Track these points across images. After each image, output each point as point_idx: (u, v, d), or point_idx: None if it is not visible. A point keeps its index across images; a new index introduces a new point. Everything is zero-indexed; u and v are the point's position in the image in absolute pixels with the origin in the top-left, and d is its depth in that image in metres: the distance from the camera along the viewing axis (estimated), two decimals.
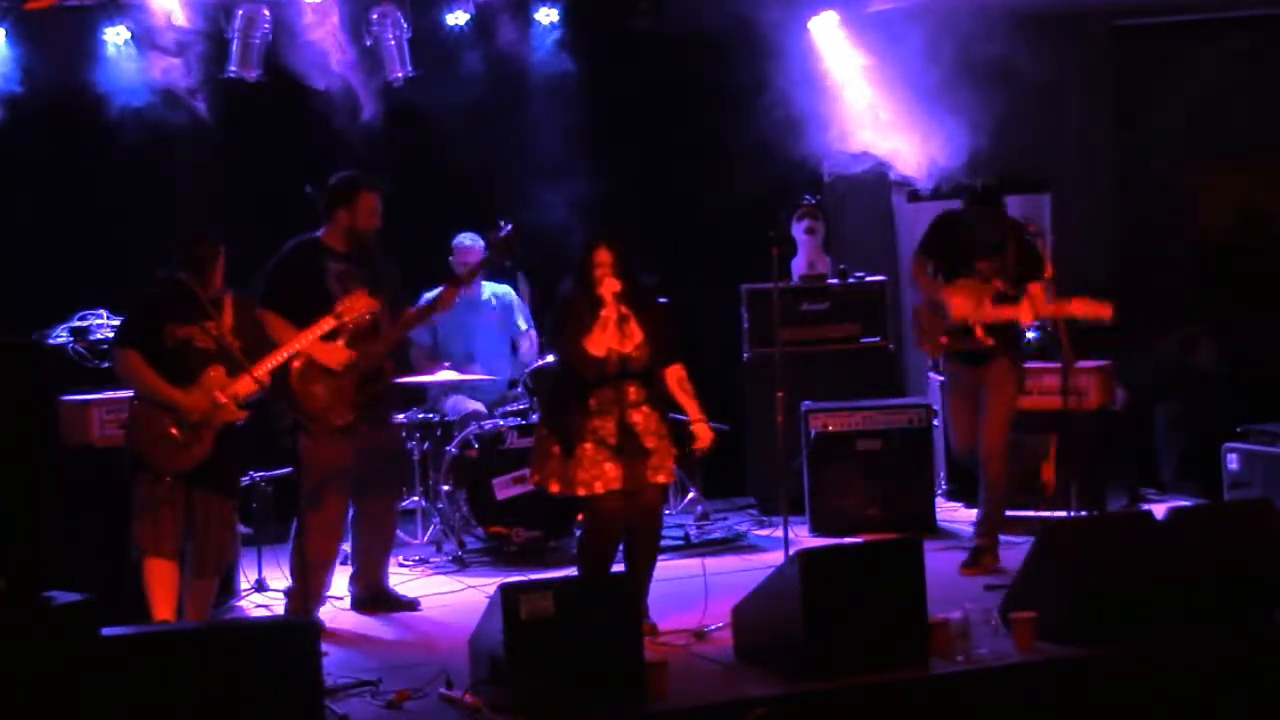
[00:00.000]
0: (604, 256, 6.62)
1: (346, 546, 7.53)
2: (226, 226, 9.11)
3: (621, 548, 6.77)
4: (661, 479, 6.73)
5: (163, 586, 6.54)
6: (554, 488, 6.66)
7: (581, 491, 6.59)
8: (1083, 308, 7.44)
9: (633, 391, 6.64)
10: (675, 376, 6.78)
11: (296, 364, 7.01)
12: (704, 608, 6.76)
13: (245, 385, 6.60)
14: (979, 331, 7.60)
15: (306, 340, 6.85)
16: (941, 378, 9.29)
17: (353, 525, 7.49)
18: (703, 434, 6.78)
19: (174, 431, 6.53)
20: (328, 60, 8.93)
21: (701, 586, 6.99)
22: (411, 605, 7.46)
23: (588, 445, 6.57)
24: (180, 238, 6.83)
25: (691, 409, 6.78)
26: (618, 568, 6.86)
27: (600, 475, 6.57)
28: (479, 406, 8.87)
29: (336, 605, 7.43)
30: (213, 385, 6.58)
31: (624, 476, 6.58)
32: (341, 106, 9.03)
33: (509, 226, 7.31)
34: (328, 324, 6.87)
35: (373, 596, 7.46)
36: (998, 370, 7.69)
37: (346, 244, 7.22)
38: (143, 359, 6.60)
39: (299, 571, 6.98)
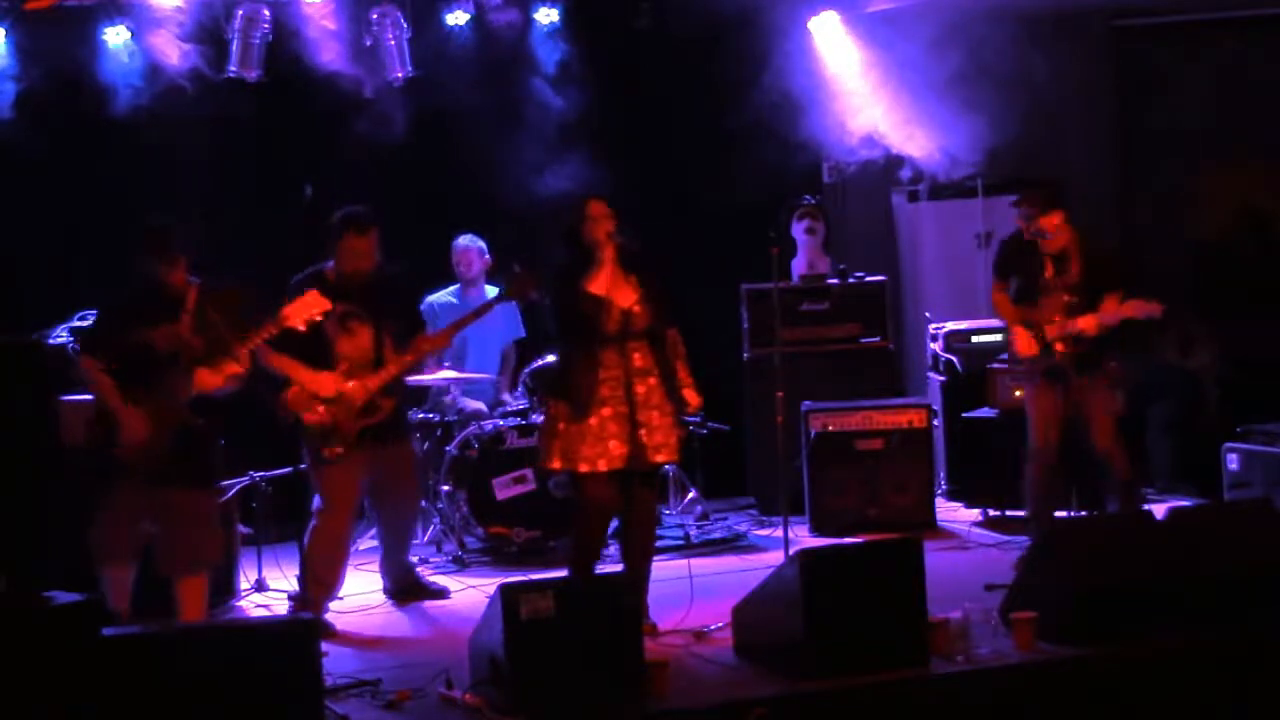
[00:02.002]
0: (598, 209, 6.61)
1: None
2: (228, 226, 9.21)
3: (619, 548, 6.74)
4: (662, 458, 6.64)
5: (116, 593, 6.48)
6: (555, 464, 6.59)
7: (584, 468, 6.51)
8: (1136, 308, 7.45)
9: (638, 357, 6.58)
10: (670, 340, 6.77)
11: (292, 388, 7.08)
12: (689, 607, 6.76)
13: (210, 378, 6.56)
14: (1058, 346, 7.54)
15: (250, 346, 6.66)
16: (943, 378, 9.31)
17: (375, 523, 7.73)
18: (691, 398, 6.77)
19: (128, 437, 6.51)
20: (328, 60, 8.94)
21: (702, 587, 7.00)
22: (441, 594, 7.65)
23: (592, 420, 6.49)
24: (137, 237, 6.73)
25: (682, 373, 6.77)
26: (615, 567, 6.86)
27: (604, 453, 6.50)
28: (480, 406, 8.89)
29: (334, 606, 7.43)
30: (161, 395, 6.52)
31: (628, 454, 6.51)
32: (342, 106, 9.04)
33: (519, 268, 7.27)
34: (271, 330, 6.69)
35: (403, 587, 7.62)
36: (1093, 388, 7.57)
37: (347, 282, 7.22)
38: (101, 367, 6.54)
39: (304, 580, 7.01)
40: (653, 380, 6.61)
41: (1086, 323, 7.48)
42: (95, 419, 6.63)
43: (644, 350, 6.61)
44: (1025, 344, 7.64)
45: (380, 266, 7.26)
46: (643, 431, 6.54)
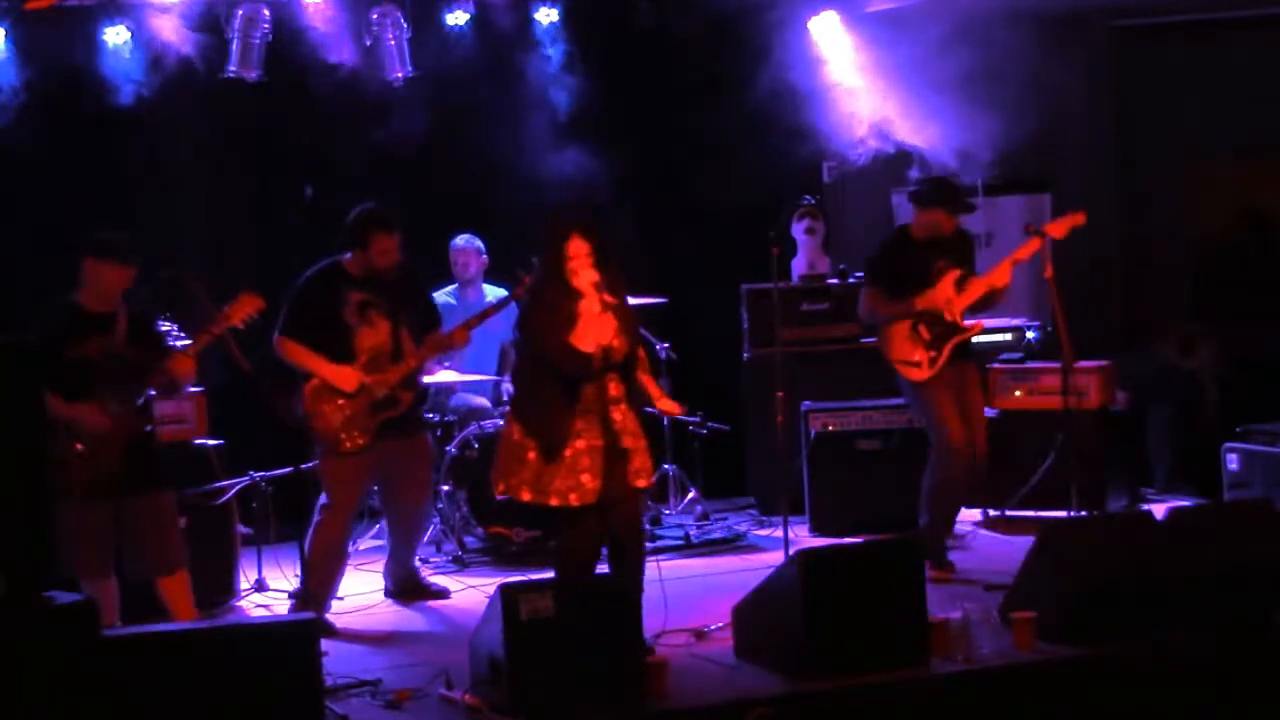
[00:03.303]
0: (580, 247, 6.27)
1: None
2: (227, 225, 9.20)
3: (609, 563, 6.58)
4: (642, 483, 6.43)
5: (104, 608, 6.38)
6: (525, 495, 6.33)
7: (555, 501, 6.29)
8: (1056, 228, 7.56)
9: (613, 387, 6.38)
10: (639, 359, 6.55)
11: (313, 381, 7.10)
12: (665, 615, 6.63)
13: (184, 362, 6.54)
14: (961, 322, 7.61)
15: (193, 350, 6.61)
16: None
17: (385, 521, 7.76)
18: (669, 408, 6.65)
19: (79, 447, 6.43)
20: (328, 60, 8.94)
21: (701, 587, 6.99)
22: (442, 594, 7.68)
23: (566, 451, 6.28)
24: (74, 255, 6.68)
25: (653, 389, 6.58)
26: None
27: (576, 486, 6.27)
28: (484, 402, 8.90)
29: (335, 606, 7.43)
30: (108, 398, 6.48)
31: (601, 488, 6.29)
32: (342, 106, 9.04)
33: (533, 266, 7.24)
34: (216, 329, 6.60)
35: (405, 588, 7.65)
36: (974, 368, 7.78)
37: (366, 274, 7.25)
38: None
39: (305, 578, 7.03)
40: (624, 406, 6.41)
41: (999, 274, 7.56)
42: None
43: (617, 379, 6.40)
44: (957, 301, 7.66)
45: (399, 261, 7.31)
46: (618, 460, 6.30)
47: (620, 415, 6.38)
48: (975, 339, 8.23)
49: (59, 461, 6.40)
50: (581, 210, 6.73)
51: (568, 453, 6.29)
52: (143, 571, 6.64)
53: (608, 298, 6.32)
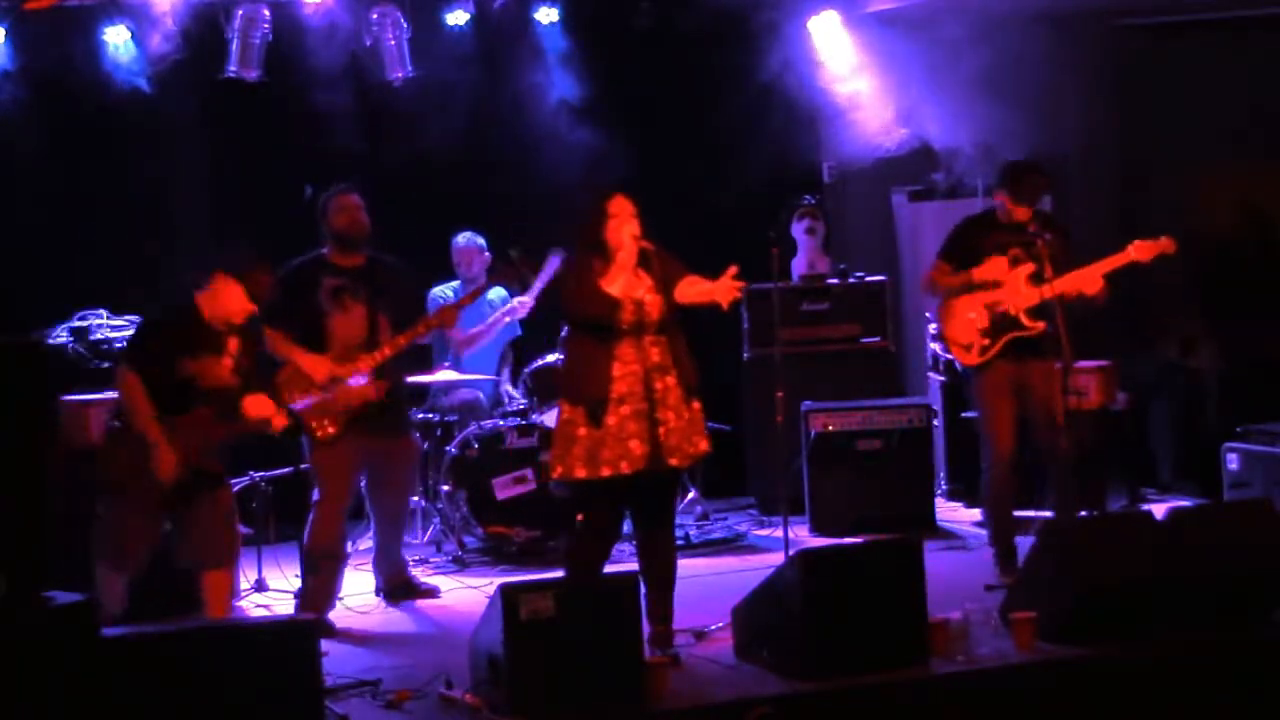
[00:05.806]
0: (623, 205, 6.27)
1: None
2: (227, 225, 9.21)
3: (641, 573, 6.40)
4: (675, 462, 6.24)
5: (114, 597, 6.41)
6: (580, 473, 6.18)
7: (607, 471, 6.15)
8: (1143, 250, 7.32)
9: (656, 352, 6.24)
10: (685, 281, 6.32)
11: (285, 369, 7.09)
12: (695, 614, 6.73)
13: (249, 418, 6.53)
14: (1024, 319, 7.36)
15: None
16: (943, 378, 9.30)
17: (371, 517, 7.71)
18: (725, 294, 6.18)
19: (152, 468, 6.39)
20: (328, 60, 8.95)
21: (701, 587, 6.97)
22: (431, 593, 7.67)
23: (610, 419, 6.15)
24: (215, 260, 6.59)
25: (704, 285, 6.27)
26: (618, 566, 6.84)
27: (626, 454, 6.15)
28: (477, 395, 8.90)
29: (336, 605, 7.44)
30: (194, 427, 6.42)
31: (648, 454, 6.16)
32: (342, 106, 9.04)
33: (516, 254, 7.24)
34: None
35: (395, 584, 7.65)
36: (1048, 367, 7.30)
37: (344, 257, 7.25)
38: (142, 385, 6.37)
39: (305, 576, 7.03)
40: (671, 379, 6.26)
41: (1086, 279, 7.24)
42: (118, 434, 6.47)
43: (662, 346, 6.26)
44: (996, 269, 7.37)
45: (374, 256, 7.32)
46: (661, 430, 6.19)
47: (663, 386, 6.24)
48: None
49: (133, 471, 6.34)
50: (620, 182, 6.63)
51: (613, 420, 6.16)
52: (193, 561, 6.57)
53: (646, 244, 6.29)
